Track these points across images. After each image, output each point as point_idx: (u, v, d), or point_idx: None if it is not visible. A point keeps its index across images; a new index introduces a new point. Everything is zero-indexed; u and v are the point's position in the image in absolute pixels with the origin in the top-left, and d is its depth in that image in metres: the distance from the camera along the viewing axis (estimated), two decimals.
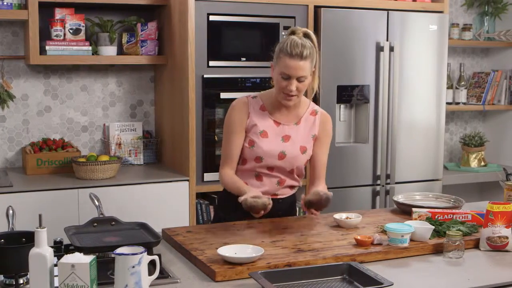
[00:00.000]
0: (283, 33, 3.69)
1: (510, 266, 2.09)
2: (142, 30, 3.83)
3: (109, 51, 3.73)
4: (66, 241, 2.08)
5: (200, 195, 3.71)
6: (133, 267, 1.66)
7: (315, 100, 3.63)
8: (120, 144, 3.93)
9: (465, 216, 2.43)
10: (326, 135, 2.64)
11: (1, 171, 3.68)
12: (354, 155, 3.93)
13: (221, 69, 3.62)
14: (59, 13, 3.62)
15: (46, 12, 3.61)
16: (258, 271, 1.85)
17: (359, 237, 2.17)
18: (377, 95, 3.94)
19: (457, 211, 2.48)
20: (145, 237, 2.12)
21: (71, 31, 3.63)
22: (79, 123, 3.95)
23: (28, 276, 1.81)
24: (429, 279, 1.95)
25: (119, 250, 1.69)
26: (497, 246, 2.22)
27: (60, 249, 2.07)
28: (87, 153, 3.88)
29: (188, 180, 3.56)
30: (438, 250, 2.19)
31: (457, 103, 4.84)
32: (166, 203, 3.52)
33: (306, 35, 2.46)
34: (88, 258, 1.64)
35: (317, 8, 3.78)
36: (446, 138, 4.93)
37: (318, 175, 2.63)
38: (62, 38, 3.61)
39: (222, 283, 1.88)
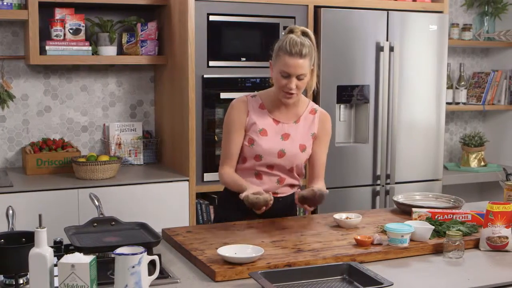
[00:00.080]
0: (283, 33, 3.68)
1: (510, 266, 2.09)
2: (142, 30, 3.83)
3: (109, 51, 3.73)
4: (66, 241, 2.08)
5: (200, 195, 3.71)
6: (133, 267, 1.66)
7: (315, 100, 3.64)
8: (120, 144, 3.93)
9: (465, 216, 2.43)
10: (325, 134, 2.64)
11: (1, 171, 3.68)
12: (354, 155, 3.93)
13: (221, 69, 3.62)
14: (59, 13, 3.62)
15: (46, 12, 3.61)
16: (258, 271, 1.85)
17: (359, 237, 2.18)
18: (377, 95, 3.94)
19: (457, 211, 2.48)
20: (145, 237, 2.12)
21: (71, 31, 3.63)
22: (79, 123, 3.95)
23: (28, 276, 1.81)
24: (429, 279, 1.95)
25: (119, 250, 1.69)
26: (497, 246, 2.22)
27: (60, 249, 2.07)
28: (87, 153, 3.88)
29: (188, 180, 3.56)
30: (438, 250, 2.19)
31: (457, 103, 4.84)
32: (166, 203, 3.51)
33: (304, 34, 2.47)
34: (88, 258, 1.64)
35: (317, 8, 3.78)
36: (446, 138, 4.93)
37: (317, 174, 2.63)
38: (62, 38, 3.61)
39: (222, 283, 1.88)
